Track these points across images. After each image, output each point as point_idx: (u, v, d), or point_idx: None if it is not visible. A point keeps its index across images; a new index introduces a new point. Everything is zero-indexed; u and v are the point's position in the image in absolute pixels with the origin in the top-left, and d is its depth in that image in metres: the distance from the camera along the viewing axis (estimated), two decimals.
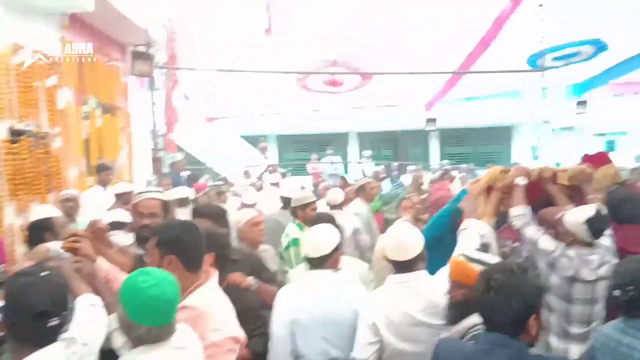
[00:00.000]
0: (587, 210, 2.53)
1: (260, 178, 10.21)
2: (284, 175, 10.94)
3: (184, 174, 8.29)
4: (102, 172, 5.38)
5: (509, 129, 16.33)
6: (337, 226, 2.88)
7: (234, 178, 9.73)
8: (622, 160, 7.92)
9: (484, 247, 2.22)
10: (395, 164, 13.29)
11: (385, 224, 5.69)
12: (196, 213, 3.05)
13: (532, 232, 2.74)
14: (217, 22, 6.78)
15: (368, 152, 13.97)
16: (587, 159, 3.49)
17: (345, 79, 9.24)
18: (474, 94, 11.90)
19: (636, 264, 1.93)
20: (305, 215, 3.97)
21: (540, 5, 6.14)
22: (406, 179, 11.06)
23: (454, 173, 10.96)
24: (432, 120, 12.33)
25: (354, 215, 4.81)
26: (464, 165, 13.34)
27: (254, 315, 2.44)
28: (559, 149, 12.38)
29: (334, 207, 4.71)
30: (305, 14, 6.76)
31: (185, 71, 7.97)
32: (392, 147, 16.75)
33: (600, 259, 2.53)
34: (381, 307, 2.22)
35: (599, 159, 3.48)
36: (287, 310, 2.32)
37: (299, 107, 11.78)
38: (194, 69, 7.71)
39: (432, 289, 2.21)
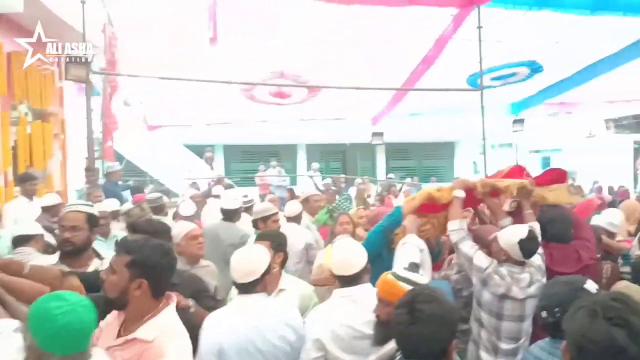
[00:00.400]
0: (521, 231, 2.58)
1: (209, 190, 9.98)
2: (230, 186, 10.75)
3: (123, 184, 7.94)
4: (27, 182, 4.97)
5: (452, 145, 16.91)
6: (281, 242, 2.83)
7: (180, 189, 9.46)
8: None
9: (413, 267, 2.21)
10: (343, 176, 13.44)
11: (331, 238, 5.67)
12: (132, 228, 2.76)
13: (467, 248, 2.75)
14: (161, 28, 6.60)
15: (316, 165, 14.01)
16: (541, 178, 3.32)
17: (293, 91, 9.24)
18: (418, 110, 12.22)
19: (563, 287, 1.95)
20: (267, 227, 3.88)
21: (480, 27, 6.40)
22: (353, 192, 11.18)
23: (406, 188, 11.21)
24: (378, 134, 12.59)
25: (307, 229, 4.76)
26: (408, 179, 13.70)
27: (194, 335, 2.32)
28: (497, 164, 12.90)
29: (290, 219, 4.64)
30: (252, 24, 6.72)
31: (126, 78, 7.69)
32: (341, 160, 16.91)
33: (530, 278, 2.57)
34: (326, 321, 2.22)
35: (552, 177, 3.35)
36: (212, 339, 2.14)
37: (246, 117, 11.66)
38: (134, 75, 7.45)
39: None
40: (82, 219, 2.56)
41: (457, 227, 2.86)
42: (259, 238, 2.99)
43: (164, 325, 1.79)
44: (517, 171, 3.41)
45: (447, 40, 7.42)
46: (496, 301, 2.56)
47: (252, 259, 2.25)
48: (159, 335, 1.74)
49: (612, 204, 7.60)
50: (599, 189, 11.89)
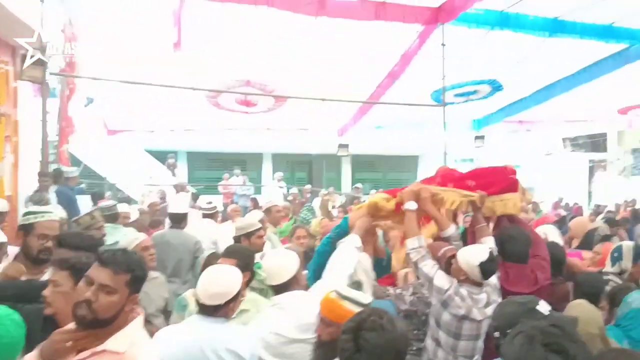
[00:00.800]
0: (481, 253, 2.57)
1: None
2: (195, 194, 10.55)
3: (78, 188, 7.65)
4: None
5: (416, 158, 17.16)
6: (248, 262, 2.76)
7: (141, 196, 9.19)
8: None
9: (356, 285, 2.19)
10: (308, 187, 13.39)
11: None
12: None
13: (428, 267, 2.66)
14: (123, 30, 6.43)
15: (280, 174, 13.93)
16: (489, 187, 3.15)
17: (260, 100, 9.17)
18: (384, 123, 12.36)
19: (516, 307, 1.94)
20: (252, 244, 3.58)
21: (443, 44, 6.52)
22: (317, 203, 11.16)
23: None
24: (344, 146, 12.62)
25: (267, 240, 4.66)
26: (373, 191, 13.79)
27: None
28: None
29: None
30: (218, 30, 6.63)
31: (86, 80, 7.44)
32: (307, 170, 16.88)
33: (487, 298, 2.58)
34: (257, 333, 2.27)
35: (502, 187, 3.17)
36: (155, 353, 2.01)
37: (211, 124, 11.49)
38: (94, 78, 7.21)
39: (304, 306, 2.27)
40: (57, 228, 2.61)
41: (415, 246, 2.75)
42: (226, 255, 2.85)
43: (134, 337, 1.71)
44: (447, 174, 3.30)
45: (413, 55, 7.54)
46: (455, 321, 2.55)
47: (223, 284, 2.18)
48: (130, 346, 1.65)
49: (563, 220, 7.88)
50: (556, 205, 12.30)
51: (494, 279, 2.66)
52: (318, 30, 6.66)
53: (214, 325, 2.16)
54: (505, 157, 16.58)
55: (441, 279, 2.61)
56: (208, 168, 15.41)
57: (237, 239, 3.79)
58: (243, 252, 2.89)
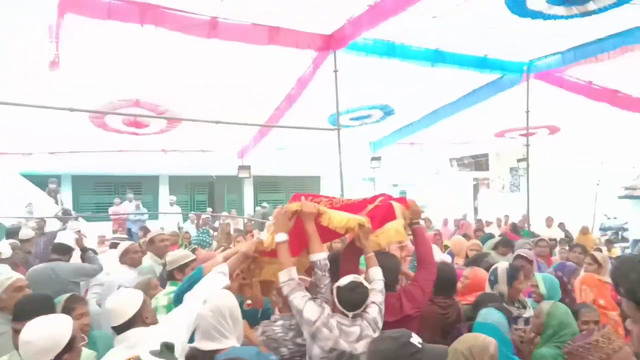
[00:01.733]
0: (342, 280, 2.54)
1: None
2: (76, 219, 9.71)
3: None
4: None
5: (318, 179, 17.44)
6: None
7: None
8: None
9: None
10: (209, 209, 12.99)
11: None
12: None
13: (298, 299, 2.57)
14: None
15: (173, 198, 13.37)
16: (374, 211, 3.07)
17: (151, 121, 8.71)
18: (285, 144, 12.40)
19: (390, 342, 1.93)
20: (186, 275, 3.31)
21: (335, 71, 6.69)
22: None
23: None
24: (245, 168, 12.46)
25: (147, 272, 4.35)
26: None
27: None
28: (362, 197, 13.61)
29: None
30: (101, 48, 6.20)
31: None
32: (207, 192, 16.38)
33: (360, 332, 2.49)
34: None
35: (380, 215, 3.04)
36: None
37: (100, 145, 10.70)
38: None
39: (148, 339, 2.16)
40: None
41: (286, 279, 2.64)
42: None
43: None
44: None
45: (308, 80, 7.65)
46: (326, 355, 2.46)
47: (47, 336, 1.97)
48: None
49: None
50: (445, 222, 13.11)
51: (374, 312, 2.58)
52: (213, 51, 6.50)
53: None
54: (400, 177, 17.53)
55: (310, 311, 2.51)
56: (96, 192, 14.29)
57: (169, 273, 3.69)
58: None
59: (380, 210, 3.08)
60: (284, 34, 6.21)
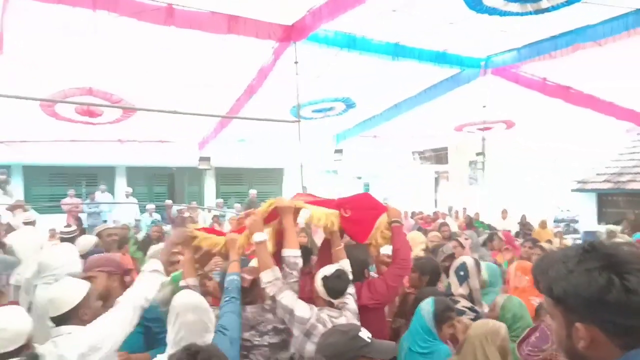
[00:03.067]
0: (326, 269, 2.58)
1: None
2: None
3: None
4: None
5: (281, 171, 17.32)
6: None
7: None
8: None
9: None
10: (169, 202, 12.68)
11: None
12: None
13: (287, 299, 2.54)
14: None
15: (129, 190, 13.03)
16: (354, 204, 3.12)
17: (105, 110, 8.41)
18: (246, 136, 12.25)
19: (339, 336, 1.93)
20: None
21: (296, 62, 6.62)
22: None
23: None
24: (205, 159, 12.27)
25: None
26: (238, 205, 13.55)
27: None
28: (325, 189, 13.64)
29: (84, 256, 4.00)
30: (51, 34, 5.92)
31: None
32: (167, 184, 15.97)
33: (347, 322, 2.50)
34: None
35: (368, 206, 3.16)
36: None
37: (53, 135, 10.27)
38: None
39: (73, 342, 2.12)
40: None
41: (271, 279, 2.62)
42: None
43: None
44: (326, 201, 3.17)
45: (269, 71, 7.55)
46: None
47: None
48: None
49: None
50: (405, 215, 13.27)
51: (352, 303, 2.64)
52: (170, 39, 6.31)
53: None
54: (364, 169, 17.65)
55: (302, 309, 2.51)
56: (50, 184, 13.71)
57: None
58: None
59: (365, 202, 3.20)
60: (244, 24, 6.10)
